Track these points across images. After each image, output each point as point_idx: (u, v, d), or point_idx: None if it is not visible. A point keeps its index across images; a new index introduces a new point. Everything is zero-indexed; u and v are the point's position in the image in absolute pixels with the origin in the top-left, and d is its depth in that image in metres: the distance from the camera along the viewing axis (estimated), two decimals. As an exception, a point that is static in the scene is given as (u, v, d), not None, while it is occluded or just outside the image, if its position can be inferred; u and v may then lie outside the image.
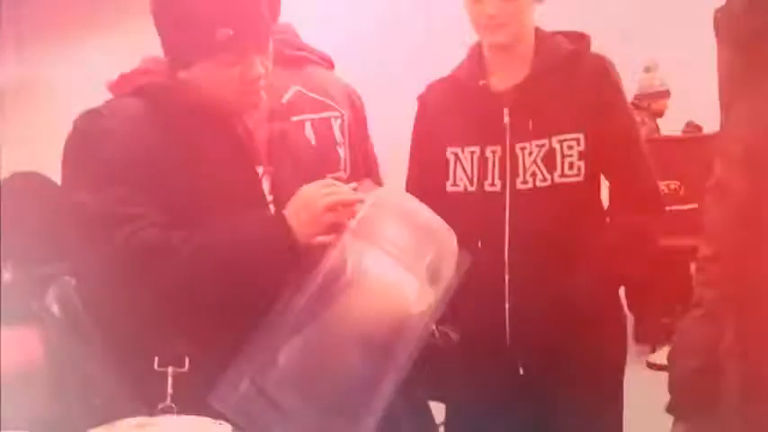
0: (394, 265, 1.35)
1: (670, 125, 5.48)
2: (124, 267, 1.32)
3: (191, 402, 1.33)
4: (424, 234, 1.42)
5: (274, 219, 1.43)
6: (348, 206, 1.41)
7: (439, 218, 1.46)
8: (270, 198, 1.53)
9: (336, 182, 1.46)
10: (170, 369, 1.35)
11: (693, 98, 5.14)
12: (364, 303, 1.32)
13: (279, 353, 1.30)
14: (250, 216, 1.44)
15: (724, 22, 1.33)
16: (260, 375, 1.29)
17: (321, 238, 1.40)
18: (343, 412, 1.29)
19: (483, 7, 1.72)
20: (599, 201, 1.87)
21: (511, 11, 1.72)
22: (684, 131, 5.32)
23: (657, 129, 5.32)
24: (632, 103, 4.97)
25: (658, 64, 5.31)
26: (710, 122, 4.58)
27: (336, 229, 1.40)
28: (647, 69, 5.33)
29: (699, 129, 5.11)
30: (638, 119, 2.30)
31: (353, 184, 1.53)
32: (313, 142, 1.87)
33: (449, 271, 1.42)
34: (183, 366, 1.36)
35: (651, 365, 2.20)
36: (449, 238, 1.44)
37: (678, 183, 3.99)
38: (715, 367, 1.33)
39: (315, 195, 1.41)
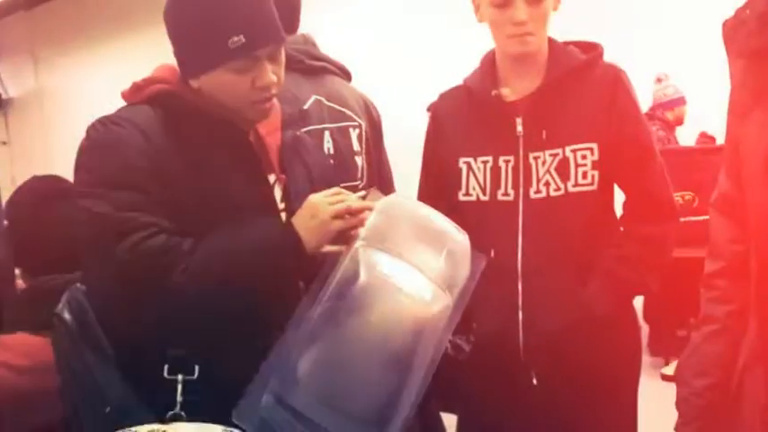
0: (407, 268, 1.35)
1: (683, 136, 5.44)
2: (133, 274, 1.32)
3: (200, 410, 1.33)
4: (435, 238, 1.41)
5: (282, 226, 1.43)
6: (356, 213, 1.41)
7: (450, 221, 1.45)
8: (282, 206, 1.53)
9: (344, 190, 1.46)
10: (180, 377, 1.36)
11: (706, 108, 5.13)
12: (380, 308, 1.31)
13: (298, 364, 1.30)
14: (259, 224, 1.44)
15: (736, 34, 1.31)
16: (281, 388, 1.29)
17: (329, 247, 1.40)
18: (367, 420, 1.28)
19: (513, 13, 1.69)
20: (612, 210, 1.85)
21: (538, 17, 1.71)
22: (698, 142, 5.26)
23: (670, 139, 5.23)
24: (646, 114, 4.94)
25: (669, 74, 5.25)
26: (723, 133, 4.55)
27: (345, 237, 1.40)
28: (659, 80, 5.28)
29: (712, 139, 5.06)
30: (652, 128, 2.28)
31: (361, 193, 1.53)
32: (331, 151, 1.88)
33: (463, 274, 1.42)
34: (193, 374, 1.36)
35: (665, 377, 2.18)
36: (461, 241, 1.44)
37: (692, 194, 3.96)
38: (729, 383, 1.31)
39: (322, 203, 1.42)
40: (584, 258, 1.77)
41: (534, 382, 1.78)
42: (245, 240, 1.38)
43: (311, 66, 1.95)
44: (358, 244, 1.36)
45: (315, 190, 1.54)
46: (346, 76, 2.05)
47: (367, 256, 1.34)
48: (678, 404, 1.39)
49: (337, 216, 1.40)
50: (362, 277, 1.31)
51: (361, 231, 1.39)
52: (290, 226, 1.40)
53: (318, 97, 1.91)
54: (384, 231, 1.39)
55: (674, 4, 5.34)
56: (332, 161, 1.90)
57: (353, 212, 1.41)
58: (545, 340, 1.75)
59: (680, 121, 5.33)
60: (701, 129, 5.23)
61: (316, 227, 1.39)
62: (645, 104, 4.30)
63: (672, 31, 5.29)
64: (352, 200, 1.44)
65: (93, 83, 9.11)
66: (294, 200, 1.52)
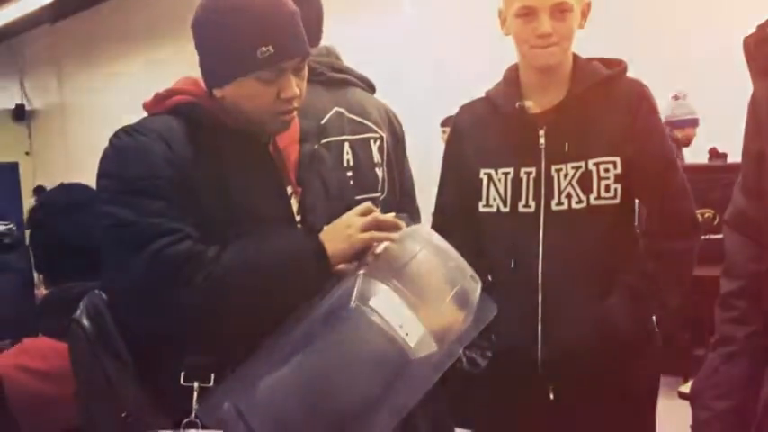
0: (401, 306, 1.33)
1: (694, 153, 5.39)
2: (157, 279, 1.33)
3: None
4: (447, 276, 1.40)
5: (309, 236, 1.42)
6: (384, 227, 1.40)
7: (465, 262, 1.44)
8: (297, 219, 1.53)
9: (374, 207, 1.45)
10: (196, 384, 1.36)
11: (716, 125, 5.10)
12: (359, 344, 1.31)
13: (262, 382, 1.28)
14: (285, 232, 1.44)
15: (758, 51, 1.30)
16: (239, 398, 1.28)
17: (341, 266, 1.39)
18: None
19: (537, 26, 1.70)
20: (633, 225, 1.85)
21: (562, 31, 1.72)
22: (709, 159, 5.21)
23: (678, 155, 5.18)
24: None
25: (687, 94, 5.21)
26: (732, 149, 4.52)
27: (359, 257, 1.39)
28: (675, 97, 5.24)
29: (723, 156, 5.01)
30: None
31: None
32: (351, 163, 1.88)
33: (468, 318, 1.41)
34: (209, 382, 1.36)
35: (683, 395, 2.16)
36: (473, 286, 1.43)
37: (713, 211, 3.93)
38: (751, 407, 1.28)
39: (351, 216, 1.42)
40: (604, 272, 1.76)
41: (551, 396, 1.77)
42: (271, 248, 1.38)
43: (333, 78, 1.96)
44: (362, 269, 1.36)
45: (331, 204, 1.55)
46: (369, 88, 2.06)
47: (365, 285, 1.33)
48: (697, 427, 1.36)
49: (365, 229, 1.39)
50: (350, 308, 1.30)
51: (368, 258, 1.38)
52: (317, 236, 1.40)
53: (339, 109, 1.92)
54: (394, 262, 1.38)
55: (687, 23, 5.35)
56: (350, 173, 1.90)
57: (381, 226, 1.41)
58: (563, 354, 1.73)
59: (688, 142, 5.29)
60: (710, 145, 5.19)
61: (343, 238, 1.38)
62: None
63: (684, 49, 5.28)
64: (383, 215, 1.43)
65: (114, 95, 9.21)
66: (309, 213, 1.52)
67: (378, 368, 1.30)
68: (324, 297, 1.35)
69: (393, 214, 1.47)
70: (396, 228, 1.41)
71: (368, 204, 1.45)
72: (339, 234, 1.39)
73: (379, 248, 1.39)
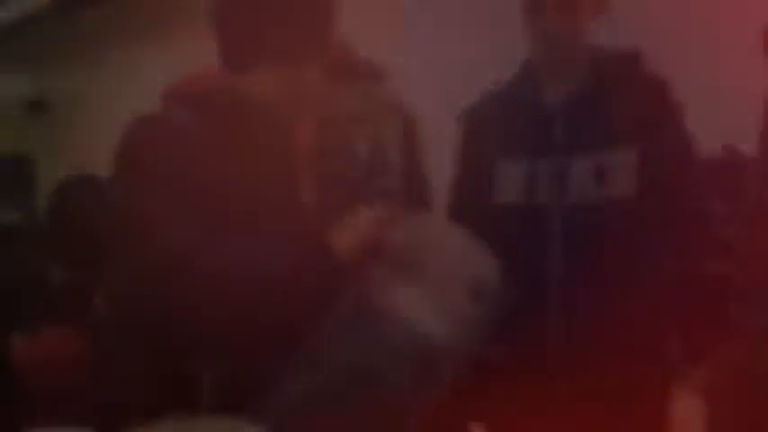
0: (422, 299, 1.33)
1: (706, 148, 5.34)
2: (160, 270, 1.33)
3: (224, 407, 1.34)
4: (461, 262, 1.41)
5: (314, 237, 1.43)
6: (380, 228, 1.40)
7: (479, 245, 1.44)
8: (313, 208, 1.53)
9: (368, 210, 1.45)
10: (204, 374, 1.37)
11: (727, 120, 5.05)
12: (388, 340, 1.31)
13: (294, 388, 1.31)
14: (292, 232, 1.44)
15: None
16: (279, 414, 1.30)
17: (356, 266, 1.39)
18: None
19: (544, 19, 1.71)
20: (649, 218, 1.83)
21: (570, 25, 1.72)
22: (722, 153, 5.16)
23: None
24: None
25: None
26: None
27: (373, 253, 1.40)
28: None
29: (735, 151, 4.97)
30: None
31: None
32: (365, 153, 1.89)
33: (491, 292, 1.41)
34: (219, 372, 1.37)
35: (695, 390, 2.15)
36: (490, 268, 1.43)
37: (725, 206, 3.91)
38: (764, 402, 1.28)
39: (352, 217, 1.41)
40: (619, 266, 1.75)
41: (563, 393, 1.77)
42: (271, 246, 1.39)
43: (346, 66, 1.96)
44: (375, 269, 1.36)
45: (349, 193, 1.55)
46: (381, 77, 2.07)
47: (383, 281, 1.34)
48: (709, 419, 1.36)
49: (367, 228, 1.39)
50: (375, 304, 1.31)
51: (383, 254, 1.38)
52: (322, 237, 1.39)
53: (353, 98, 1.93)
54: (405, 255, 1.38)
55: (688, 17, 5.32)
56: (366, 163, 1.91)
57: (382, 223, 1.40)
58: (577, 351, 1.73)
59: None
60: (722, 141, 5.15)
61: (345, 239, 1.38)
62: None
63: (686, 42, 5.25)
64: (384, 213, 1.43)
65: (131, 87, 9.22)
66: (325, 203, 1.52)
67: (410, 362, 1.31)
68: (343, 300, 1.35)
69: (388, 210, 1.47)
70: (395, 223, 1.41)
71: (365, 208, 1.44)
72: (341, 235, 1.39)
73: (390, 244, 1.39)
